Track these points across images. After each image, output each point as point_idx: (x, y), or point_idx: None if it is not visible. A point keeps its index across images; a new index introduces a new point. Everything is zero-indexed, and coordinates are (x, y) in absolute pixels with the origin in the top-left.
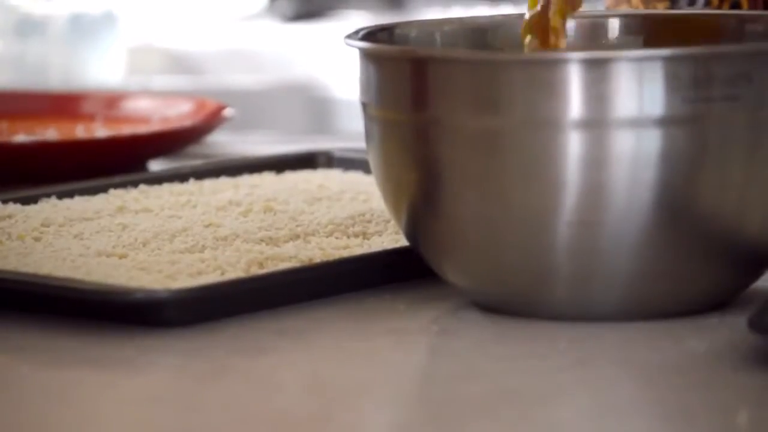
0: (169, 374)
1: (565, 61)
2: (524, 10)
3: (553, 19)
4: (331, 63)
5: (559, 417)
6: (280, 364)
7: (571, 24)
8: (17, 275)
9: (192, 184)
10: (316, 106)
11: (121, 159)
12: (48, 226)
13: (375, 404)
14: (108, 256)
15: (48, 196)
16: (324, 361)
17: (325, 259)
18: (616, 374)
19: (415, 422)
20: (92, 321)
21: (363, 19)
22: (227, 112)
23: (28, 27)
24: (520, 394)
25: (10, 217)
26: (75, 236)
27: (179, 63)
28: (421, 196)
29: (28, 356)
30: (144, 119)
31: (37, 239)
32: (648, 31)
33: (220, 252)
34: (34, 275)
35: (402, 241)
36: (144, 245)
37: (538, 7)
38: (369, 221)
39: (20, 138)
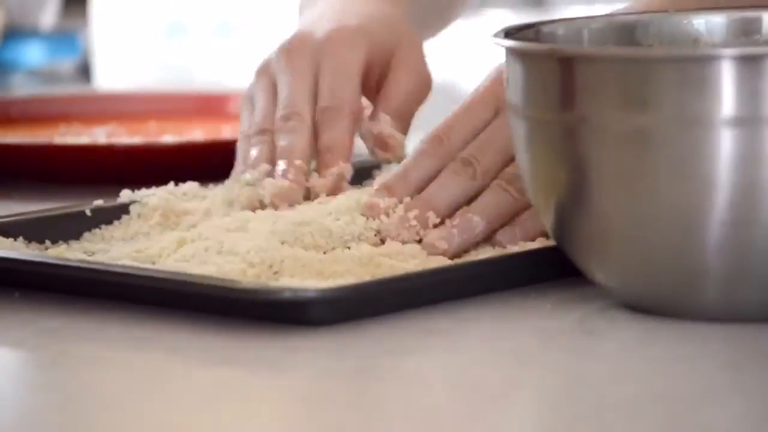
0: (316, 373)
1: (717, 58)
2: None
3: None
4: (474, 62)
5: (711, 422)
6: (426, 363)
7: (723, 19)
8: (168, 274)
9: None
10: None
11: None
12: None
13: (521, 405)
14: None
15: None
16: (470, 360)
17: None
18: None
19: (562, 423)
20: (240, 320)
21: (505, 17)
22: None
23: (174, 30)
24: (670, 397)
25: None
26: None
27: None
28: (569, 195)
29: (179, 355)
30: None
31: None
32: None
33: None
34: (185, 274)
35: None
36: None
37: None
38: None
39: (168, 138)
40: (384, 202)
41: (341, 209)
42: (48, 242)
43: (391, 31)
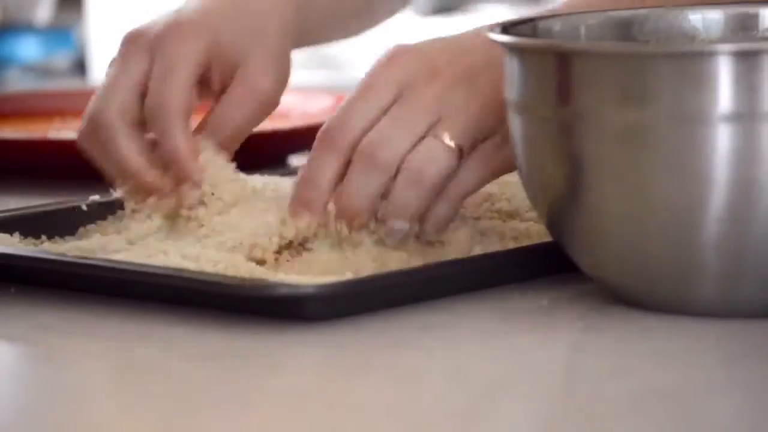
0: (314, 368)
1: (714, 54)
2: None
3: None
4: None
5: (708, 416)
6: (424, 359)
7: (720, 15)
8: (165, 270)
9: None
10: None
11: (262, 154)
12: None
13: (519, 401)
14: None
15: None
16: (467, 356)
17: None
18: (765, 373)
19: (560, 419)
20: (237, 315)
21: (500, 12)
22: None
23: None
24: (667, 392)
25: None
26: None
27: (319, 58)
28: (566, 191)
29: (175, 349)
30: (284, 114)
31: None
32: None
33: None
34: (184, 270)
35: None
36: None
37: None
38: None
39: None
40: (305, 221)
41: (223, 257)
42: (44, 237)
43: (246, 31)
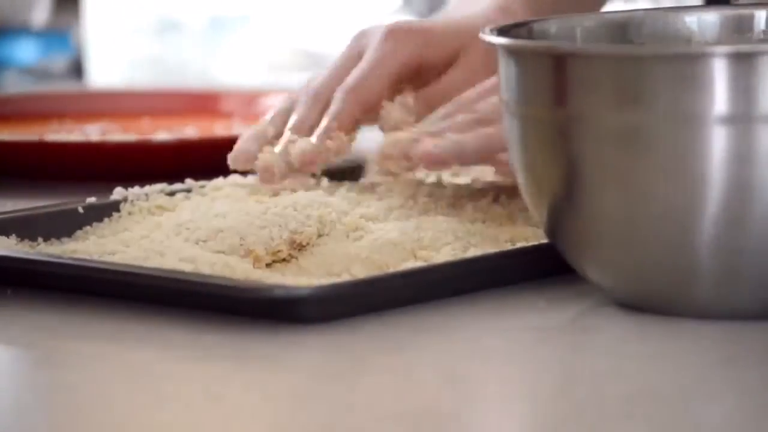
0: (310, 370)
1: (710, 55)
2: (659, 5)
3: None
4: None
5: (703, 418)
6: (420, 360)
7: (715, 17)
8: (162, 272)
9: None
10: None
11: None
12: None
13: (515, 402)
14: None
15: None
16: (464, 358)
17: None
18: (762, 374)
19: (556, 420)
20: (233, 317)
21: None
22: None
23: (167, 27)
24: (663, 394)
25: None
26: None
27: (315, 61)
28: (562, 192)
29: (173, 351)
30: None
31: (178, 234)
32: None
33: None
34: (180, 272)
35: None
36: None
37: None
38: None
39: (161, 136)
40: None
41: (220, 259)
42: (40, 240)
43: (459, 34)
